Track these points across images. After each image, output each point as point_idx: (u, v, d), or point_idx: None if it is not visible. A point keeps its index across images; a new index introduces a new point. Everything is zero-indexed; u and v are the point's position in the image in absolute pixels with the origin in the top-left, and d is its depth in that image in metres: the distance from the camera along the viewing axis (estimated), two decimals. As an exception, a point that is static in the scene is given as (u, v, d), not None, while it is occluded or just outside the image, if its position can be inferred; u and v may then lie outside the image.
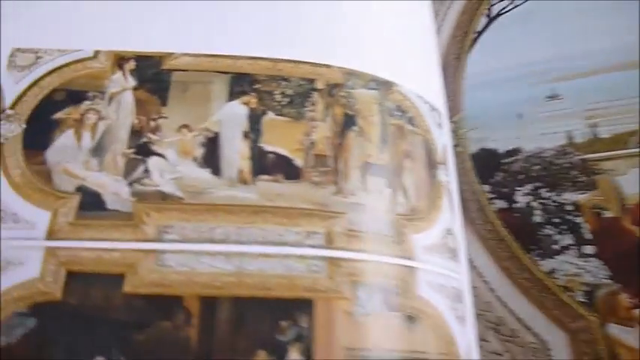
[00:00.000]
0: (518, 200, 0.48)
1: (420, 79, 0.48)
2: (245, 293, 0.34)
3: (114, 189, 0.36)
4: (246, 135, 0.39)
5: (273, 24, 0.43)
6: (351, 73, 0.42)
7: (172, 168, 0.37)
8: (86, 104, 0.38)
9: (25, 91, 0.38)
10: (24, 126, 0.37)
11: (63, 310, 0.32)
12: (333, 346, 0.33)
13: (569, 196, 0.47)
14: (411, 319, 0.36)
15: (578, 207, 0.47)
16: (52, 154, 0.36)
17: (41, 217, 0.35)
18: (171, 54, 0.40)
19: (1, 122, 0.37)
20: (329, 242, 0.36)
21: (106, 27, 0.41)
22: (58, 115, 0.38)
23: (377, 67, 0.44)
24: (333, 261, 0.35)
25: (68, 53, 0.40)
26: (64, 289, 0.33)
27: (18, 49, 0.40)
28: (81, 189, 0.36)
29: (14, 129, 0.37)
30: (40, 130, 0.37)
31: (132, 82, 0.39)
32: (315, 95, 0.41)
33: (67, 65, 0.39)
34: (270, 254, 0.35)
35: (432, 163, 0.44)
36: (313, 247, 0.36)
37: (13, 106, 0.38)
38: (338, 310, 0.34)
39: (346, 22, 0.45)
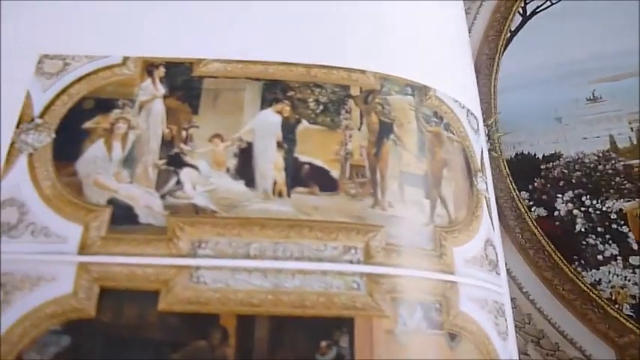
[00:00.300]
0: (558, 208, 0.45)
1: (456, 83, 0.46)
2: (283, 311, 0.32)
3: (146, 202, 0.34)
4: (280, 145, 0.37)
5: (306, 29, 0.41)
6: (386, 79, 0.40)
7: (205, 180, 0.35)
8: (116, 113, 0.37)
9: (54, 100, 0.37)
10: (53, 136, 0.36)
11: (97, 328, 0.31)
12: (374, 367, 0.32)
13: (613, 204, 0.45)
14: (453, 336, 0.35)
15: (623, 215, 0.45)
16: (82, 165, 0.35)
17: (73, 231, 0.33)
18: (201, 60, 0.39)
19: (31, 132, 0.36)
20: (368, 257, 0.34)
21: (135, 32, 0.40)
22: (88, 124, 0.36)
23: (412, 71, 0.42)
24: (372, 277, 0.34)
25: (96, 60, 0.39)
26: (97, 306, 0.32)
27: (46, 56, 0.38)
28: (112, 202, 0.34)
29: (43, 139, 0.36)
30: (69, 140, 0.36)
31: (162, 89, 0.38)
32: (350, 102, 0.39)
33: (95, 72, 0.38)
34: (308, 271, 0.33)
35: (471, 171, 0.42)
36: (352, 262, 0.34)
37: (42, 115, 0.37)
38: (379, 329, 0.33)
39: (379, 26, 0.43)
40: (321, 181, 0.36)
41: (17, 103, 0.37)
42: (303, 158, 0.37)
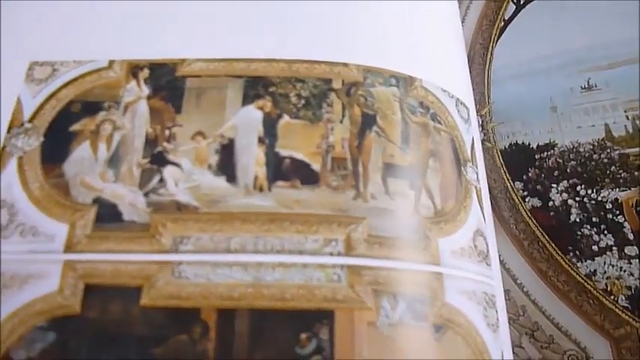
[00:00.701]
0: (553, 198, 0.44)
1: (445, 72, 0.45)
2: (263, 304, 0.32)
3: (130, 200, 0.35)
4: (261, 140, 0.37)
5: (287, 24, 0.41)
6: (369, 70, 0.40)
7: (188, 177, 0.36)
8: (102, 115, 0.38)
9: (43, 104, 0.38)
10: (42, 139, 0.37)
11: (82, 324, 0.32)
12: (354, 358, 0.31)
13: (609, 194, 0.43)
14: (439, 328, 0.34)
15: (618, 205, 0.43)
16: (69, 166, 0.36)
17: (60, 230, 0.34)
18: (184, 60, 0.39)
19: (21, 136, 0.37)
20: (349, 249, 0.34)
21: (120, 36, 0.40)
22: (75, 127, 0.37)
23: (397, 63, 0.42)
24: (353, 269, 0.34)
25: (84, 64, 0.39)
26: (82, 303, 0.32)
27: (35, 63, 0.39)
28: (98, 201, 0.35)
29: (32, 142, 0.37)
30: (57, 142, 0.37)
31: (146, 90, 0.38)
32: (332, 95, 0.39)
33: (82, 76, 0.39)
34: (289, 263, 0.33)
35: (459, 161, 0.41)
36: (332, 255, 0.34)
37: (31, 120, 0.38)
38: (360, 321, 0.32)
39: (362, 17, 0.43)
40: (302, 174, 0.36)
41: (8, 109, 0.38)
42: (284, 152, 0.37)
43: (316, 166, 0.36)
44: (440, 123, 0.41)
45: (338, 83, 0.39)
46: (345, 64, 0.40)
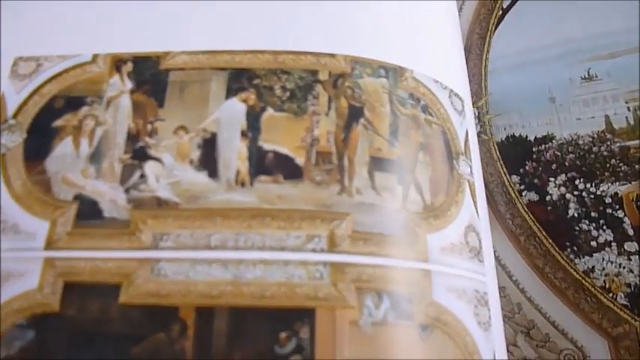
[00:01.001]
0: (550, 192, 0.42)
1: (438, 63, 0.43)
2: (243, 303, 0.31)
3: (111, 196, 0.34)
4: (244, 134, 0.36)
5: (273, 15, 0.40)
6: (357, 61, 0.39)
7: (169, 172, 0.35)
8: (84, 110, 0.37)
9: (27, 100, 0.37)
10: (25, 135, 0.36)
11: (61, 322, 0.31)
12: (335, 359, 0.30)
13: (608, 188, 0.41)
14: (425, 327, 0.33)
15: (618, 199, 0.41)
16: (51, 163, 0.35)
17: (41, 228, 0.33)
18: (168, 53, 0.39)
19: (3, 132, 0.37)
20: (332, 246, 0.33)
21: (104, 30, 0.39)
22: (58, 122, 0.37)
23: (386, 53, 0.40)
24: (336, 266, 0.32)
25: (68, 59, 0.39)
26: (61, 301, 0.32)
27: (20, 58, 0.39)
28: (79, 197, 0.34)
29: (15, 139, 0.36)
30: (40, 138, 0.36)
31: (129, 84, 0.38)
32: (318, 87, 0.38)
33: (66, 71, 0.38)
34: (269, 260, 0.32)
35: (451, 155, 0.39)
36: (315, 251, 0.33)
37: (15, 116, 0.37)
38: (342, 320, 0.31)
39: (350, 5, 0.41)
40: (286, 169, 0.35)
41: (-6, 107, 0.38)
42: (267, 146, 0.36)
43: (300, 160, 0.35)
44: (431, 115, 0.40)
45: (324, 75, 0.38)
46: (332, 55, 0.39)
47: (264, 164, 0.35)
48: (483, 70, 0.49)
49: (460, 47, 0.47)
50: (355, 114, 0.37)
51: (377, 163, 0.36)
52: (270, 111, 0.37)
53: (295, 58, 0.38)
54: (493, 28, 0.51)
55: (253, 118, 0.37)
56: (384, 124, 0.37)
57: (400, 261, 0.34)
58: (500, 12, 0.52)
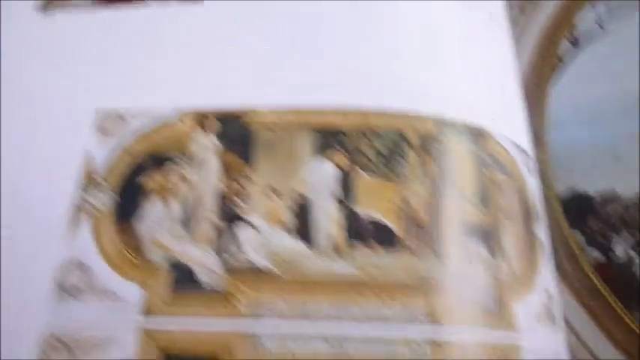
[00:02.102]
0: (615, 250, 0.43)
1: (510, 122, 0.43)
2: (347, 378, 0.31)
3: (205, 262, 0.33)
4: (337, 198, 0.35)
5: (360, 73, 0.39)
6: (443, 123, 0.38)
7: (262, 238, 0.34)
8: (173, 170, 0.35)
9: (114, 158, 0.35)
10: (115, 196, 0.35)
11: (160, 395, 0.31)
12: None
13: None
14: (518, 399, 0.33)
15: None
16: (142, 225, 0.34)
17: (135, 294, 0.32)
18: (254, 110, 0.37)
19: (94, 192, 0.35)
20: (431, 318, 0.33)
21: (188, 84, 0.38)
22: (146, 182, 0.35)
23: (468, 113, 0.40)
24: (435, 340, 0.32)
25: (152, 114, 0.37)
26: (161, 372, 0.31)
27: (103, 111, 0.37)
28: (172, 262, 0.33)
29: (106, 200, 0.35)
30: (129, 199, 0.34)
31: (216, 143, 0.37)
32: (408, 151, 0.37)
33: (151, 128, 0.37)
34: (372, 337, 0.32)
35: (530, 218, 0.39)
36: (414, 323, 0.32)
37: (103, 175, 0.35)
38: (445, 396, 0.31)
39: (434, 67, 0.41)
40: (381, 236, 0.34)
41: (78, 162, 0.36)
42: (361, 212, 0.35)
43: (394, 227, 0.34)
44: (510, 177, 0.40)
45: (413, 137, 0.37)
46: (420, 116, 0.38)
47: (359, 231, 0.34)
48: (542, 123, 0.49)
49: (523, 103, 0.46)
50: (445, 179, 0.36)
51: (467, 230, 0.36)
52: (361, 174, 0.36)
53: (383, 118, 0.37)
54: (550, 78, 0.51)
55: (345, 181, 0.36)
56: (472, 190, 0.37)
57: (492, 331, 0.33)
58: (558, 61, 0.52)
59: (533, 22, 0.53)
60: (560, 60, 0.52)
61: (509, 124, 0.42)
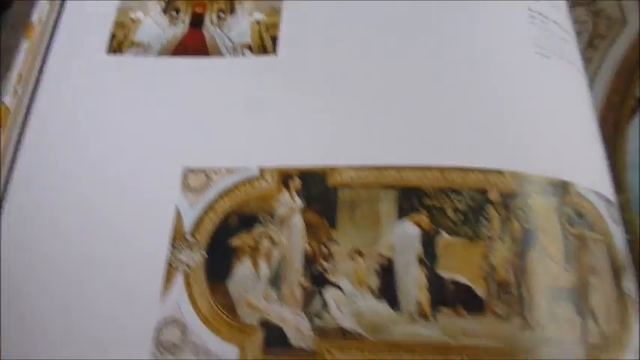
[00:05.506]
0: None
1: (591, 170, 0.41)
2: None
3: (295, 323, 0.33)
4: (421, 261, 0.35)
5: (437, 129, 0.38)
6: (524, 178, 0.36)
7: (349, 300, 0.34)
8: (259, 230, 0.36)
9: (202, 217, 0.37)
10: (205, 254, 0.36)
11: None
12: None
13: None
14: None
15: None
16: (233, 285, 0.34)
17: (231, 353, 0.33)
18: (334, 169, 0.37)
19: (184, 250, 0.36)
20: (522, 388, 0.31)
21: (270, 143, 0.38)
22: (234, 242, 0.36)
23: (548, 166, 0.38)
24: (529, 410, 0.31)
25: (235, 173, 0.38)
26: None
27: (190, 170, 0.38)
28: (264, 323, 0.33)
29: (197, 258, 0.36)
30: (219, 258, 0.35)
31: (299, 202, 0.37)
32: (490, 209, 0.36)
33: (236, 186, 0.37)
34: (461, 402, 0.31)
35: (618, 273, 0.37)
36: (506, 393, 0.31)
37: (192, 233, 0.37)
38: None
39: (510, 120, 0.39)
40: (467, 300, 0.33)
41: (167, 219, 0.37)
42: (445, 275, 0.34)
43: (480, 290, 0.33)
44: (596, 232, 0.37)
45: (494, 194, 0.36)
46: (500, 172, 0.36)
47: (445, 294, 0.33)
48: (620, 164, 0.46)
49: (601, 146, 0.43)
50: (529, 238, 0.35)
51: (554, 292, 0.34)
52: (444, 235, 0.35)
53: (463, 175, 0.36)
54: (627, 117, 0.48)
55: (428, 242, 0.35)
56: (558, 248, 0.35)
57: (587, 402, 0.32)
58: (633, 101, 0.48)
59: (608, 58, 0.50)
60: (638, 100, 0.48)
61: (592, 174, 0.39)
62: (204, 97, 0.41)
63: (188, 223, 0.37)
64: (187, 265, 0.35)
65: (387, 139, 0.38)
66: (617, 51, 0.50)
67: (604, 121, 0.48)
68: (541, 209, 0.36)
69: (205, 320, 0.34)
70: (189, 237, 0.36)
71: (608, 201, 0.39)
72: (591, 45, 0.51)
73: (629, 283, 0.37)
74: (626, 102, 0.48)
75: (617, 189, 0.45)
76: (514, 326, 0.32)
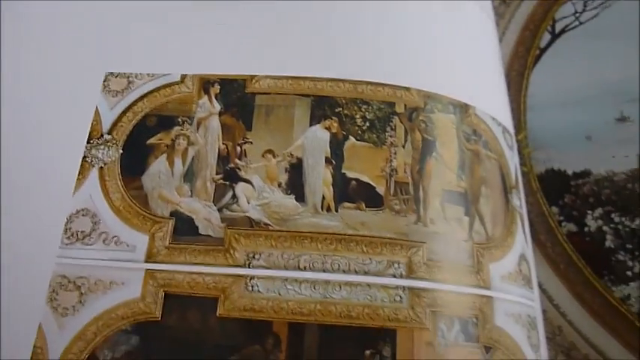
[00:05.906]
0: (588, 224, 0.44)
1: (492, 100, 0.44)
2: (330, 321, 0.32)
3: (205, 215, 0.35)
4: (328, 161, 0.37)
5: (353, 45, 0.40)
6: (429, 96, 0.40)
7: (259, 194, 0.36)
8: (176, 130, 0.37)
9: (120, 117, 0.37)
10: (121, 151, 0.37)
11: (162, 330, 0.32)
12: (416, 377, 0.32)
13: (644, 222, 0.43)
14: (488, 349, 0.34)
15: (653, 233, 0.43)
16: (147, 179, 0.35)
17: (140, 241, 0.34)
18: (253, 76, 0.39)
19: (101, 147, 0.37)
20: (410, 272, 0.34)
21: (192, 51, 0.39)
22: (151, 140, 0.37)
23: (453, 89, 0.41)
24: (414, 291, 0.33)
25: (157, 78, 0.39)
26: (162, 310, 0.32)
27: (111, 74, 0.39)
28: (175, 214, 0.35)
29: (112, 154, 0.36)
30: (135, 155, 0.36)
31: (217, 106, 0.38)
32: (396, 119, 0.38)
33: (156, 90, 0.38)
34: (354, 283, 0.33)
35: (506, 188, 0.41)
36: (395, 276, 0.34)
37: (110, 132, 0.37)
38: (419, 341, 0.33)
39: (421, 44, 0.42)
40: (367, 197, 0.36)
41: (86, 119, 0.37)
42: (350, 174, 0.36)
43: (380, 189, 0.36)
44: (490, 150, 0.41)
45: (400, 107, 0.39)
46: (408, 89, 0.39)
47: (348, 191, 0.36)
48: (522, 106, 0.50)
49: (505, 84, 0.48)
50: (428, 147, 0.38)
51: (447, 195, 0.37)
52: (352, 140, 0.37)
53: (374, 89, 0.39)
54: (531, 66, 0.52)
55: (336, 145, 0.37)
56: (454, 158, 0.38)
57: (468, 288, 0.35)
58: (538, 51, 0.53)
59: (517, 14, 0.55)
60: (541, 50, 0.53)
61: (492, 103, 0.43)
62: (131, 8, 0.41)
63: (107, 122, 0.37)
64: (103, 161, 0.36)
65: (306, 53, 0.40)
66: (525, 8, 0.54)
67: (511, 68, 0.52)
68: (442, 124, 0.39)
69: (117, 211, 0.34)
70: (106, 135, 0.37)
71: (504, 128, 0.43)
72: (504, 2, 0.55)
73: (516, 200, 0.41)
74: (531, 52, 0.52)
75: (518, 127, 0.50)
76: (409, 221, 0.35)
